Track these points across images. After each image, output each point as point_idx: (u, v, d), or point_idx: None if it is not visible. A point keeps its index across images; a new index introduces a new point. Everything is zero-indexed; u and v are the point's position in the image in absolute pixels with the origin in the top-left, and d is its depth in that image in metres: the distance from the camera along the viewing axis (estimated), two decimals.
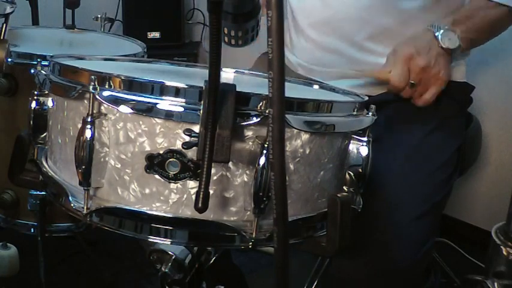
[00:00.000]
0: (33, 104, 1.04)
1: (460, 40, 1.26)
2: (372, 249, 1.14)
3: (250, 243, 0.88)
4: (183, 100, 0.85)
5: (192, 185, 0.86)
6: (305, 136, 0.90)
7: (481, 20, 1.31)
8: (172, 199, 0.88)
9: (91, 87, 0.87)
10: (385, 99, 1.34)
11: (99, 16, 2.21)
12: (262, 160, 0.83)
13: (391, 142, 1.26)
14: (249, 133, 0.86)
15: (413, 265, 1.14)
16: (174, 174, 0.86)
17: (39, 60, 1.05)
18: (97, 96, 0.87)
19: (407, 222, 1.17)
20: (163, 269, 1.05)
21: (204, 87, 0.80)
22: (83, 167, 0.88)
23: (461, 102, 1.44)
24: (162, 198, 0.88)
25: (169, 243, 0.92)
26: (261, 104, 0.84)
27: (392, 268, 1.13)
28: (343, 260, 1.17)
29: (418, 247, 1.16)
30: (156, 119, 0.86)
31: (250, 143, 0.86)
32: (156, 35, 3.13)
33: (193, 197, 0.81)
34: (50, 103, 1.02)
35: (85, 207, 0.90)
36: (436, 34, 1.25)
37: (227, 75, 1.24)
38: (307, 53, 1.43)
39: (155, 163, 0.86)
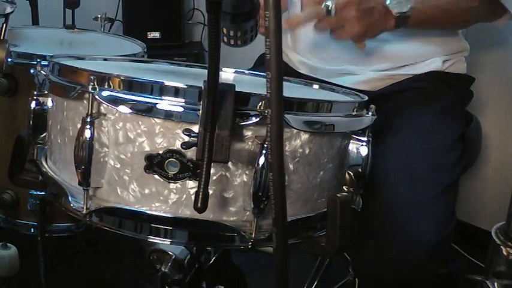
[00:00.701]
0: (33, 104, 1.04)
1: (412, 10, 1.21)
2: (390, 235, 1.14)
3: (250, 243, 0.88)
4: (183, 100, 0.85)
5: (192, 185, 0.86)
6: (304, 136, 0.90)
7: None
8: (171, 199, 0.88)
9: (90, 87, 0.87)
10: (385, 92, 1.34)
11: (99, 16, 2.21)
12: (261, 160, 0.83)
13: (392, 131, 1.26)
14: (248, 133, 0.86)
15: (436, 245, 1.14)
16: (173, 174, 0.86)
17: (38, 60, 1.05)
18: (96, 96, 0.87)
19: (425, 202, 1.17)
20: (163, 269, 1.05)
21: (203, 87, 0.80)
22: (83, 167, 0.88)
23: (462, 93, 1.44)
24: (161, 198, 0.88)
25: (169, 243, 0.92)
26: (260, 104, 0.84)
27: (414, 251, 1.12)
28: (363, 251, 1.16)
29: (439, 226, 1.16)
30: (155, 119, 0.86)
31: (250, 143, 0.86)
32: (156, 35, 3.12)
33: (193, 197, 0.81)
34: (49, 103, 1.02)
35: (84, 207, 0.90)
36: None
37: (227, 75, 1.24)
38: (309, 49, 1.42)
39: (154, 163, 0.86)
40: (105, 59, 1.26)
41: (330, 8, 1.15)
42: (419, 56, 1.37)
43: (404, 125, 1.28)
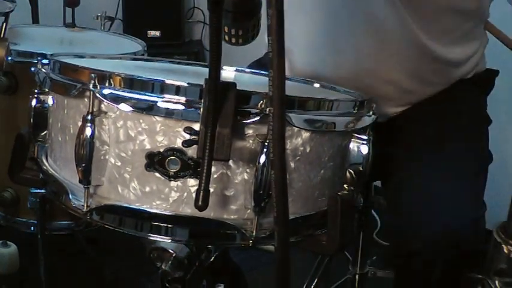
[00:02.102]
0: (34, 102, 1.04)
1: None
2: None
3: (251, 242, 0.88)
4: (184, 98, 0.85)
5: (192, 183, 0.86)
6: (306, 134, 0.90)
7: None
8: (172, 197, 0.88)
9: (91, 85, 0.87)
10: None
11: (99, 15, 2.22)
12: (262, 158, 0.83)
13: (428, 118, 1.28)
14: (249, 131, 0.86)
15: (478, 219, 1.14)
16: (174, 172, 0.86)
17: (39, 58, 1.05)
18: (97, 94, 0.87)
19: (465, 181, 1.17)
20: (163, 267, 1.05)
21: (204, 85, 0.80)
22: (83, 165, 0.88)
23: (489, 90, 1.47)
24: (162, 196, 0.88)
25: (169, 241, 0.92)
26: (261, 102, 0.84)
27: (455, 226, 1.11)
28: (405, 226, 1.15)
29: (478, 202, 1.17)
30: (156, 117, 0.86)
31: (251, 141, 0.86)
32: (156, 33, 3.12)
33: (194, 195, 0.81)
34: (50, 101, 1.02)
35: (85, 205, 0.90)
36: None
37: (227, 73, 1.24)
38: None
39: (155, 161, 0.86)
40: (106, 57, 1.26)
41: None
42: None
43: (440, 114, 1.28)
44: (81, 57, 1.18)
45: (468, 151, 1.24)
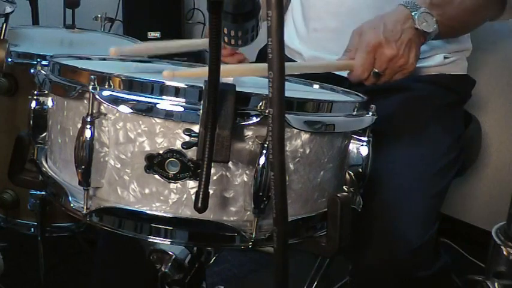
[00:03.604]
0: (33, 104, 1.04)
1: (438, 26, 1.19)
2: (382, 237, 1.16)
3: (250, 243, 0.88)
4: (183, 100, 0.85)
5: (192, 185, 0.86)
6: (305, 136, 0.90)
7: (457, 6, 1.24)
8: (172, 199, 0.88)
9: (91, 87, 0.87)
10: (386, 87, 1.34)
11: (99, 16, 2.22)
12: (262, 160, 0.83)
13: (385, 135, 1.26)
14: (248, 133, 0.86)
15: (417, 249, 1.16)
16: (173, 174, 0.86)
17: (39, 60, 1.05)
18: (97, 96, 0.87)
19: (410, 211, 1.18)
20: (163, 269, 1.05)
21: (203, 87, 0.80)
22: (83, 167, 0.88)
23: (461, 95, 1.45)
24: (161, 198, 0.88)
25: (169, 243, 0.92)
26: (260, 104, 0.84)
27: (397, 255, 1.14)
28: (356, 255, 1.19)
29: (421, 231, 1.17)
30: (155, 118, 0.86)
31: (250, 143, 0.86)
32: (156, 34, 3.13)
33: (193, 197, 0.81)
34: (49, 103, 1.02)
35: (85, 207, 0.90)
36: (413, 13, 1.16)
37: None
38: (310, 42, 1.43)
39: (155, 163, 0.86)
40: (106, 59, 1.26)
41: (378, 73, 1.15)
42: (422, 53, 1.36)
43: (397, 130, 1.28)
44: (81, 58, 1.18)
45: (420, 180, 1.24)
